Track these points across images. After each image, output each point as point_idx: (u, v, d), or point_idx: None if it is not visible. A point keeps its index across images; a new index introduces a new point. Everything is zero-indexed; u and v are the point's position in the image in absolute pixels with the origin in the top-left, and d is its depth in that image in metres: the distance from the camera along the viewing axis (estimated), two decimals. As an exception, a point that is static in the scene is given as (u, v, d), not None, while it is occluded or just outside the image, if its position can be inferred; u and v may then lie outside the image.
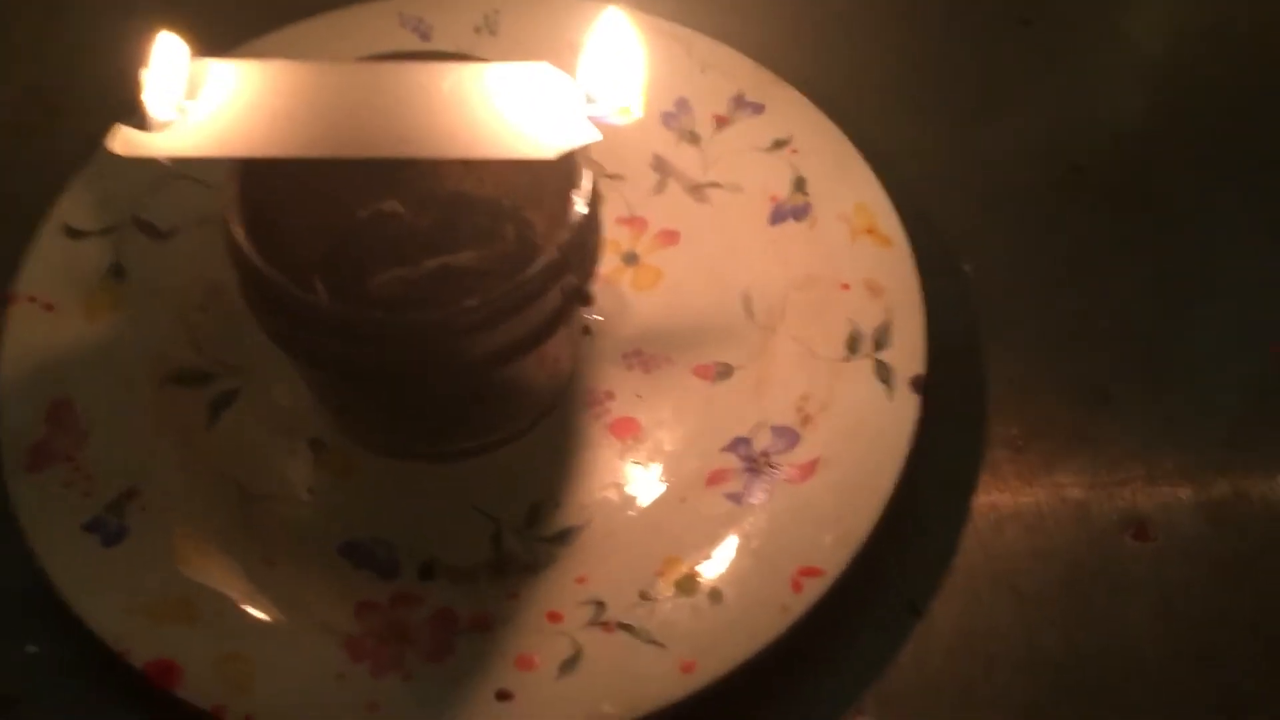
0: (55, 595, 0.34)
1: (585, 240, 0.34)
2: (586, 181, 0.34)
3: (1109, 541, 0.37)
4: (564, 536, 0.37)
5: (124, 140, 0.32)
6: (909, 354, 0.38)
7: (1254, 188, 0.45)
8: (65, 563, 0.35)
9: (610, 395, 0.40)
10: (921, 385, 0.38)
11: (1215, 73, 0.48)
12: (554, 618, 0.35)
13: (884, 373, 0.38)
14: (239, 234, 0.33)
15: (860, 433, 0.37)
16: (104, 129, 0.32)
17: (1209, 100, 0.47)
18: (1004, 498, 0.38)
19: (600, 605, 0.35)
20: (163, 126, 0.33)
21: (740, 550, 0.36)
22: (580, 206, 0.33)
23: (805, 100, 0.44)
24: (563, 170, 0.34)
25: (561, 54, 0.33)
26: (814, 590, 0.34)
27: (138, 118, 0.32)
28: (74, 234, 0.41)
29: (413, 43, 0.45)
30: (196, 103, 0.33)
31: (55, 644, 0.35)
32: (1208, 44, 0.49)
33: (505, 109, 0.33)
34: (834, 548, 0.35)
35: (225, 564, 0.36)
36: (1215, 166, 0.45)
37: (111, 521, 0.36)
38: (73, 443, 0.37)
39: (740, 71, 0.44)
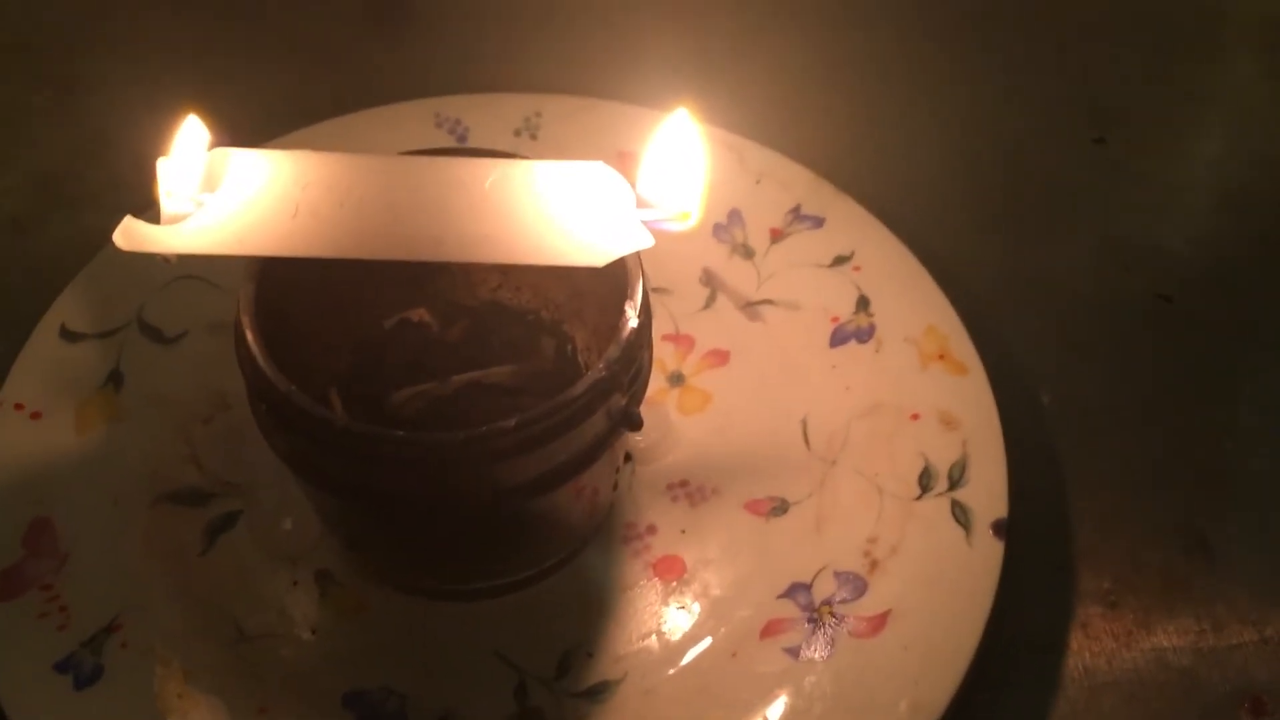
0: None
1: (636, 357, 0.31)
2: (639, 292, 0.30)
3: (1221, 717, 0.33)
4: (597, 692, 0.33)
5: (129, 234, 0.29)
6: (989, 494, 0.35)
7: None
8: (30, 707, 0.31)
9: (652, 530, 0.36)
10: (1004, 530, 0.34)
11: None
12: (585, 789, 0.31)
13: (962, 514, 0.35)
14: (252, 340, 0.30)
15: (938, 582, 0.34)
16: (115, 223, 0.29)
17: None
18: (1099, 662, 0.34)
19: (639, 776, 0.31)
20: (175, 220, 0.30)
21: (800, 715, 0.32)
22: (633, 320, 0.30)
23: (868, 214, 0.41)
24: (609, 280, 0.31)
25: (605, 161, 0.31)
26: (888, 767, 0.30)
27: (152, 211, 0.30)
28: (71, 336, 0.38)
29: (448, 144, 0.43)
30: (214, 195, 0.30)
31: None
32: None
33: (551, 211, 0.30)
34: (910, 716, 0.31)
35: (213, 712, 0.32)
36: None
37: (87, 660, 0.32)
38: (50, 568, 0.34)
39: (798, 182, 0.42)
